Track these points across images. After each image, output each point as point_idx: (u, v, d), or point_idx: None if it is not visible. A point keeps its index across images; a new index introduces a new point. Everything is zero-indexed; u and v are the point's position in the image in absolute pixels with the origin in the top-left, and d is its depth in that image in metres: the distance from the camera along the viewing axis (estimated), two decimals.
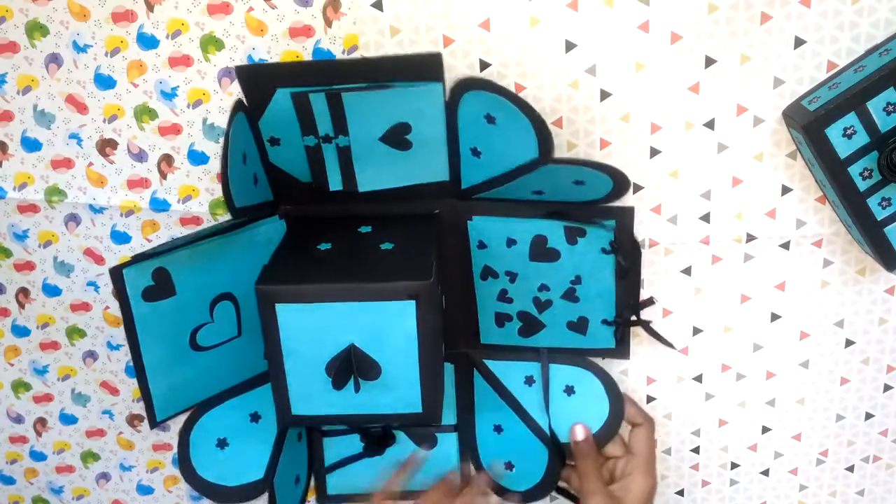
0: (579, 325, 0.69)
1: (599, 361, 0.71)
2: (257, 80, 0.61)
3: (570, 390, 0.71)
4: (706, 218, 0.67)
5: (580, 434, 0.70)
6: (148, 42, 0.62)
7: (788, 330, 0.71)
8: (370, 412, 0.63)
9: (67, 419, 0.77)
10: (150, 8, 0.61)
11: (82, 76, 0.63)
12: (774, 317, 0.71)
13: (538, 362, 0.71)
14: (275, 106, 0.62)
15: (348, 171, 0.65)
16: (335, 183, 0.66)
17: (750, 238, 0.68)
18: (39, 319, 0.73)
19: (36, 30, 0.62)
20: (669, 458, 0.76)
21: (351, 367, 0.60)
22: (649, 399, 0.73)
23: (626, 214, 0.65)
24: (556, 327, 0.69)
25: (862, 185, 0.61)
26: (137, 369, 0.63)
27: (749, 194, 0.66)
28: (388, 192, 0.66)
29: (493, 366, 0.72)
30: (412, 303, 0.58)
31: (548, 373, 0.70)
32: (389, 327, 0.59)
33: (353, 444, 0.76)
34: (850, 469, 0.77)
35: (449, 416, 0.74)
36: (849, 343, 0.72)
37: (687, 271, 0.69)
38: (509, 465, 0.73)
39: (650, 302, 0.69)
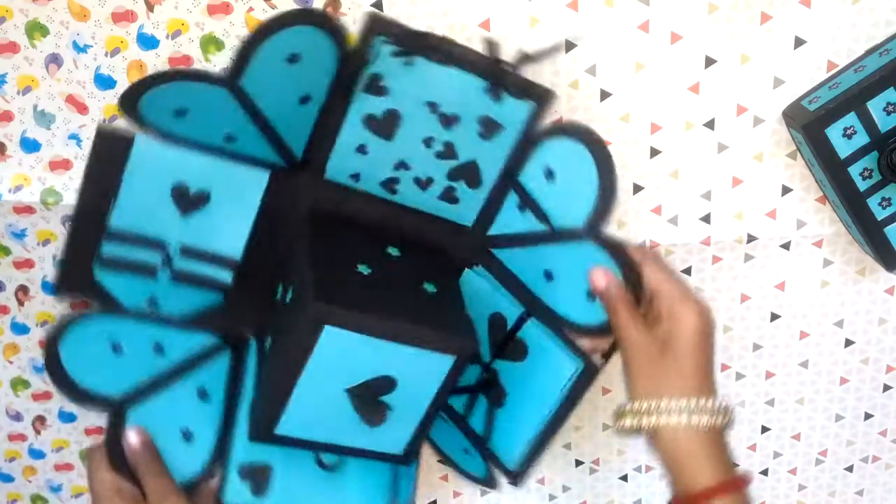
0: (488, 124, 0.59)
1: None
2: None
3: (549, 174, 0.60)
4: (706, 219, 0.67)
5: (601, 280, 0.56)
6: (148, 42, 0.62)
7: (788, 330, 0.71)
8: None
9: (66, 417, 0.77)
10: (150, 8, 0.61)
11: (82, 76, 0.63)
12: (774, 317, 0.71)
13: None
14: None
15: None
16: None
17: (750, 238, 0.68)
18: (39, 317, 0.73)
19: (36, 30, 0.62)
20: None
21: (376, 396, 0.59)
22: None
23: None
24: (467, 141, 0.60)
25: (862, 185, 0.61)
26: None
27: (749, 194, 0.66)
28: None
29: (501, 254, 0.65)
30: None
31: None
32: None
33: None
34: (850, 469, 0.77)
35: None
36: (848, 343, 0.72)
37: (687, 271, 0.69)
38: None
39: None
